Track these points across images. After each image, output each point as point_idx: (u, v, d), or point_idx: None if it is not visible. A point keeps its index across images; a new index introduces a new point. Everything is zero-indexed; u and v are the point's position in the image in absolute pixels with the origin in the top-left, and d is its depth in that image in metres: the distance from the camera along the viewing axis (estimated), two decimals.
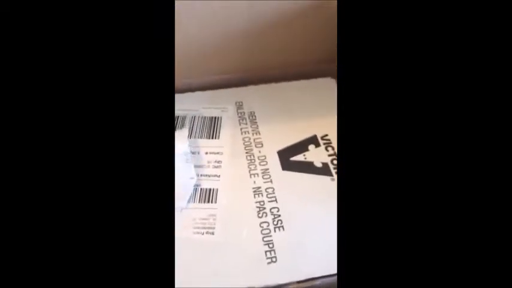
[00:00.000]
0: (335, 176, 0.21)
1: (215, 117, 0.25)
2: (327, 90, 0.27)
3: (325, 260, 0.17)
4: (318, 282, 0.17)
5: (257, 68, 0.29)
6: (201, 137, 0.24)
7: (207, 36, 0.26)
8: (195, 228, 0.19)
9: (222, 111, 0.26)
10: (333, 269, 0.17)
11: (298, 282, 0.17)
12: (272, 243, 0.18)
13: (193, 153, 0.23)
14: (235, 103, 0.26)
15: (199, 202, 0.20)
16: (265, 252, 0.18)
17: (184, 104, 0.26)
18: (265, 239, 0.18)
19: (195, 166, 0.22)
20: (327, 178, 0.21)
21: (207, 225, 0.19)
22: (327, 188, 0.20)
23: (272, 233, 0.18)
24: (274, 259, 0.17)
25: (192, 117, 0.25)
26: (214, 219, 0.19)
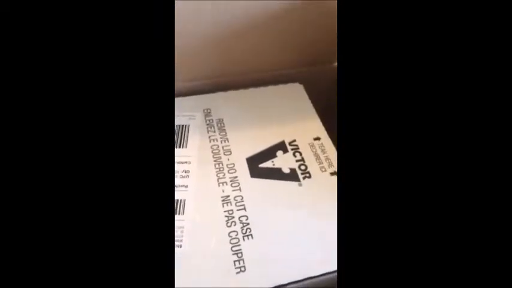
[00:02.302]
0: (302, 182, 0.21)
1: (182, 126, 0.25)
2: (295, 95, 0.28)
3: (293, 266, 0.18)
4: None
5: (225, 75, 0.29)
6: None
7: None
8: None
9: (190, 119, 0.25)
10: (301, 274, 0.17)
11: None
12: (241, 252, 0.18)
13: None
14: (203, 110, 0.26)
15: None
16: (234, 262, 0.18)
17: None
18: (233, 249, 0.18)
19: None
20: (295, 184, 0.21)
21: (175, 238, 0.19)
22: (295, 193, 0.21)
23: (241, 241, 0.18)
24: (243, 268, 0.17)
25: None
26: (182, 232, 0.19)
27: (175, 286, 0.17)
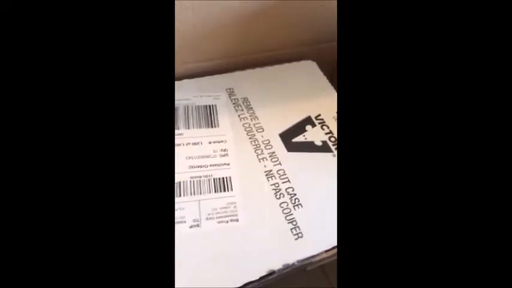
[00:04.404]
0: (335, 152, 0.23)
1: (210, 105, 0.24)
2: (309, 72, 0.28)
3: None
4: None
5: (241, 54, 0.28)
6: (200, 127, 0.23)
7: (190, 23, 0.25)
8: (218, 218, 0.19)
9: (215, 98, 0.25)
10: None
11: (326, 251, 0.18)
12: (295, 220, 0.19)
13: (195, 144, 0.22)
14: (226, 90, 0.26)
15: (215, 192, 0.20)
16: (291, 229, 0.19)
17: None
18: (287, 218, 0.19)
19: (200, 157, 0.21)
20: (329, 155, 0.23)
21: (229, 213, 0.19)
22: (331, 163, 0.22)
23: (293, 211, 0.20)
24: (300, 234, 0.19)
25: (185, 107, 0.24)
26: (235, 207, 0.19)
27: (245, 259, 0.17)
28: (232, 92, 0.26)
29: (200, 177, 0.20)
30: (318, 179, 0.21)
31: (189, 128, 0.23)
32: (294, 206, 0.20)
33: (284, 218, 0.19)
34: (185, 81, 0.26)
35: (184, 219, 0.19)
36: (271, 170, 0.21)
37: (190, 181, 0.20)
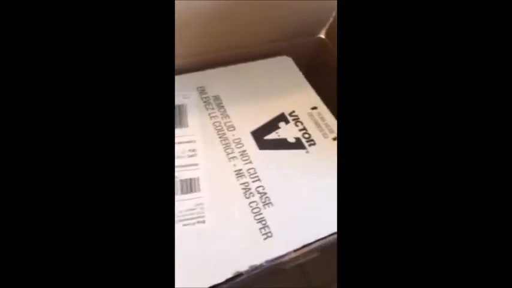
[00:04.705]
0: (308, 149, 0.22)
1: (179, 105, 0.24)
2: (284, 68, 0.28)
3: (314, 225, 0.19)
4: (312, 246, 0.18)
5: (213, 51, 0.28)
6: None
7: None
8: (184, 220, 0.18)
9: (185, 98, 0.24)
10: (323, 232, 0.18)
11: (295, 250, 0.18)
12: (264, 220, 0.19)
13: None
14: (197, 88, 0.25)
15: (181, 194, 0.19)
16: (260, 229, 0.18)
17: None
18: (257, 217, 0.19)
19: None
20: (302, 152, 0.22)
21: (196, 215, 0.18)
22: (304, 160, 0.22)
23: (262, 210, 0.19)
24: (269, 234, 0.18)
25: None
26: (202, 208, 0.19)
27: (211, 261, 0.17)
28: (204, 90, 0.25)
29: None
30: (290, 176, 0.21)
31: None
32: (264, 205, 0.19)
33: (253, 218, 0.19)
34: None
35: None
36: (241, 169, 0.21)
37: None
